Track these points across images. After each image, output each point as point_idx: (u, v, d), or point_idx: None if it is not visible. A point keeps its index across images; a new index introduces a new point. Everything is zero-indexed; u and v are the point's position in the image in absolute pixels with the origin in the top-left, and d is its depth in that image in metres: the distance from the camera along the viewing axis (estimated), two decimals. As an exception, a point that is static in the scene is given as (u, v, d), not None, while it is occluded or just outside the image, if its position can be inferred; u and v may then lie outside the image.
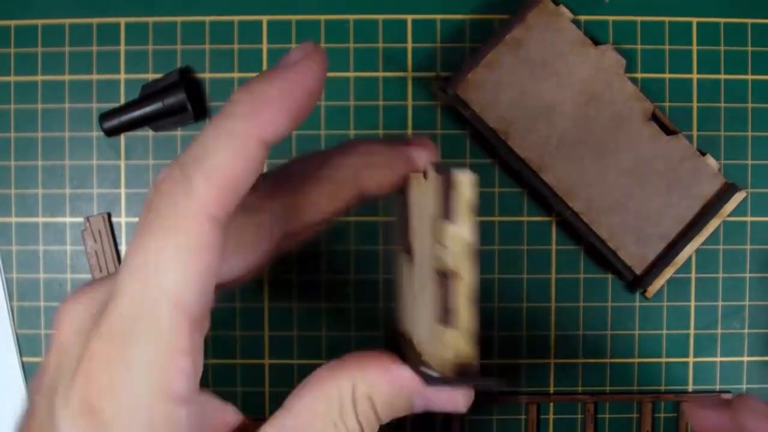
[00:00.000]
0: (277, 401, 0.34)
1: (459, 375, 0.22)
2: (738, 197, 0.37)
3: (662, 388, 0.38)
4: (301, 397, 0.23)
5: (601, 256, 0.37)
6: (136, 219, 0.38)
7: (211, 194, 0.21)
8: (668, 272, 0.37)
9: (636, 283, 0.37)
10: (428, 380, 0.22)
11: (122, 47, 0.38)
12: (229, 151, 0.21)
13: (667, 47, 0.38)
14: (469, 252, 0.23)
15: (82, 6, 0.38)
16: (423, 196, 0.25)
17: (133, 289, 0.20)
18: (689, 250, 0.37)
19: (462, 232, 0.23)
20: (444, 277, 0.22)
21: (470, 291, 0.22)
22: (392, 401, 0.23)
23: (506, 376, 0.31)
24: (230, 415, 0.24)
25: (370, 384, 0.23)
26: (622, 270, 0.37)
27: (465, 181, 0.23)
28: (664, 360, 0.38)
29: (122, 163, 0.38)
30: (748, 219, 0.38)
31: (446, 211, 0.23)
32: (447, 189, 0.23)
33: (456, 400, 0.23)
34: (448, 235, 0.23)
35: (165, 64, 0.38)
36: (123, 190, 0.38)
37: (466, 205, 0.23)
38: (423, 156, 0.26)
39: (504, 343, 0.38)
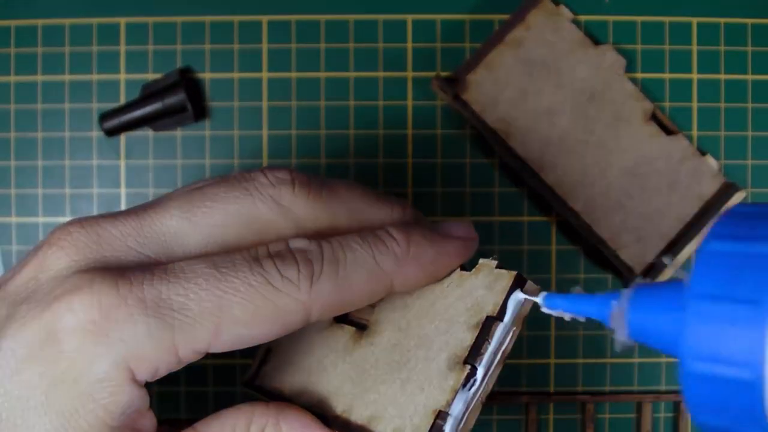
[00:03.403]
0: (277, 401, 0.33)
1: None
2: (738, 197, 0.37)
3: (662, 388, 0.38)
4: (211, 421, 0.23)
5: (601, 256, 0.37)
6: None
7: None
8: (668, 272, 0.37)
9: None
10: None
11: (122, 47, 0.38)
12: (366, 284, 0.23)
13: (667, 47, 0.38)
14: (502, 359, 0.24)
15: (82, 6, 0.38)
16: (456, 287, 0.25)
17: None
18: (689, 250, 0.37)
19: (508, 337, 0.23)
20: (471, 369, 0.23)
21: (486, 394, 0.24)
22: None
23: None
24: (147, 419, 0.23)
25: (280, 430, 0.23)
26: (622, 270, 0.37)
27: (537, 297, 0.23)
28: (664, 360, 0.38)
29: (122, 163, 0.38)
30: (748, 219, 0.38)
31: (501, 313, 0.23)
32: (510, 292, 0.23)
33: None
34: (493, 334, 0.23)
35: (165, 64, 0.38)
36: (123, 190, 0.38)
37: (522, 317, 0.24)
38: (465, 254, 0.26)
39: (504, 343, 0.38)
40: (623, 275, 0.37)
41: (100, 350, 0.20)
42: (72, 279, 0.20)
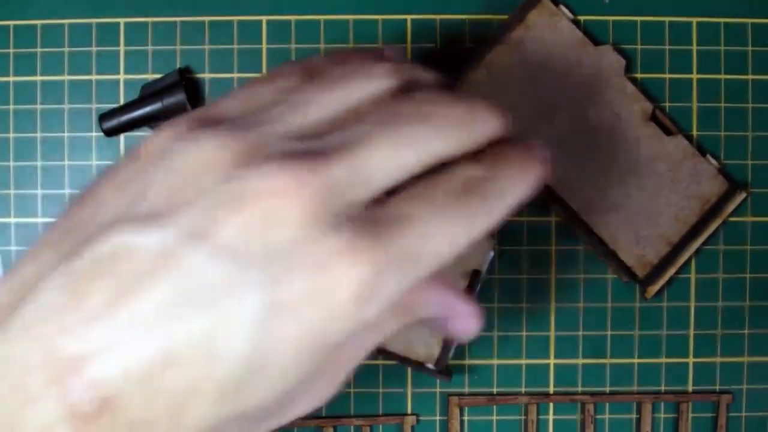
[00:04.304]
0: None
1: (441, 370, 0.36)
2: (738, 197, 0.37)
3: (662, 388, 0.38)
4: None
5: (601, 257, 0.37)
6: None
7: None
8: (668, 273, 0.37)
9: (636, 283, 0.37)
10: (422, 369, 0.36)
11: (122, 47, 0.38)
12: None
13: (667, 47, 0.38)
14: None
15: (82, 6, 0.38)
16: None
17: None
18: (689, 250, 0.37)
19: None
20: None
21: None
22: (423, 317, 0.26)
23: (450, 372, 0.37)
24: None
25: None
26: (622, 270, 0.37)
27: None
28: (663, 360, 0.38)
29: (122, 164, 0.38)
30: (749, 219, 0.38)
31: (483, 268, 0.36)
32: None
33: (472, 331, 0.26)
34: (479, 282, 0.36)
35: (165, 64, 0.38)
36: (122, 191, 0.38)
37: None
38: None
39: (504, 343, 0.38)
40: (622, 275, 0.37)
41: (370, 306, 0.20)
42: (334, 242, 0.20)
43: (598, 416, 0.38)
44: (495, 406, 0.38)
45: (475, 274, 0.36)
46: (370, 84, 0.23)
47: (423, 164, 0.22)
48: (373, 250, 0.20)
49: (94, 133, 0.38)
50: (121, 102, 0.38)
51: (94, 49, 0.38)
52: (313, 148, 0.21)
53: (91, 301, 0.19)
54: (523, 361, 0.38)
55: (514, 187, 0.23)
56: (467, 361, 0.38)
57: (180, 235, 0.20)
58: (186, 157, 0.21)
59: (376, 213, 0.21)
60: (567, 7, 0.37)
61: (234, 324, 0.19)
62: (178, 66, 0.38)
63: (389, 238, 0.20)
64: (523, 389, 0.38)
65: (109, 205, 0.21)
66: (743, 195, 0.37)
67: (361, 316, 0.21)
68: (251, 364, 0.20)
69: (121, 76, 0.38)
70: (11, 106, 0.38)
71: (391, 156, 0.21)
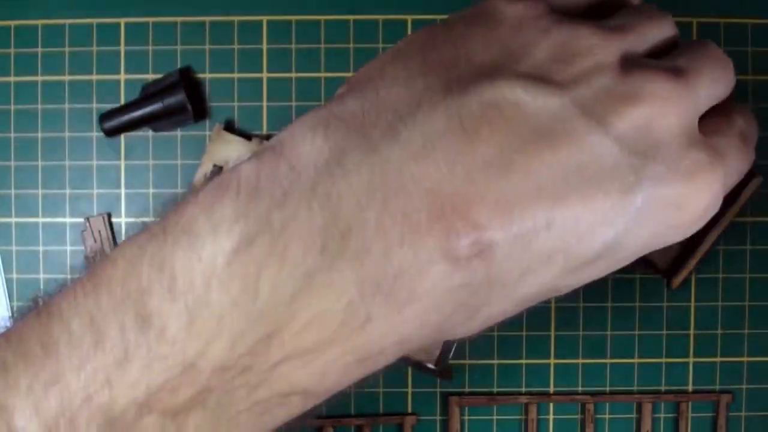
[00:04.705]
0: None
1: (441, 370, 0.36)
2: (755, 183, 0.37)
3: (662, 388, 0.38)
4: None
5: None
6: (136, 219, 0.38)
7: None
8: (691, 263, 0.37)
9: (661, 276, 0.37)
10: (423, 368, 0.36)
11: (122, 47, 0.38)
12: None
13: (667, 47, 0.38)
14: None
15: (82, 6, 0.38)
16: None
17: None
18: (710, 239, 0.37)
19: None
20: None
21: None
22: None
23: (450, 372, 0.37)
24: None
25: None
26: (645, 263, 0.37)
27: None
28: (664, 360, 0.38)
29: (122, 164, 0.38)
30: (749, 219, 0.38)
31: None
32: None
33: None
34: None
35: (165, 64, 0.38)
36: (123, 191, 0.38)
37: None
38: None
39: (504, 343, 0.38)
40: (647, 269, 0.37)
41: (702, 222, 0.21)
42: (698, 155, 0.20)
43: (598, 416, 0.38)
44: (495, 406, 0.38)
45: None
46: (672, 29, 0.23)
47: (713, 103, 0.22)
48: (721, 172, 0.21)
49: (94, 133, 0.38)
50: (122, 102, 0.38)
51: (94, 49, 0.38)
52: (672, 67, 0.21)
53: (483, 148, 0.19)
54: (523, 361, 0.38)
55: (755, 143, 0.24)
56: (467, 361, 0.38)
57: (578, 108, 0.20)
58: (568, 38, 0.21)
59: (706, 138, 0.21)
60: (567, 7, 0.37)
61: (617, 209, 0.19)
62: (178, 66, 0.38)
63: (724, 163, 0.21)
64: (523, 389, 0.38)
65: (478, 53, 0.21)
66: (759, 180, 0.37)
67: (694, 229, 0.21)
68: (603, 252, 0.20)
69: (122, 76, 0.38)
70: (12, 106, 0.38)
71: (711, 88, 0.22)
